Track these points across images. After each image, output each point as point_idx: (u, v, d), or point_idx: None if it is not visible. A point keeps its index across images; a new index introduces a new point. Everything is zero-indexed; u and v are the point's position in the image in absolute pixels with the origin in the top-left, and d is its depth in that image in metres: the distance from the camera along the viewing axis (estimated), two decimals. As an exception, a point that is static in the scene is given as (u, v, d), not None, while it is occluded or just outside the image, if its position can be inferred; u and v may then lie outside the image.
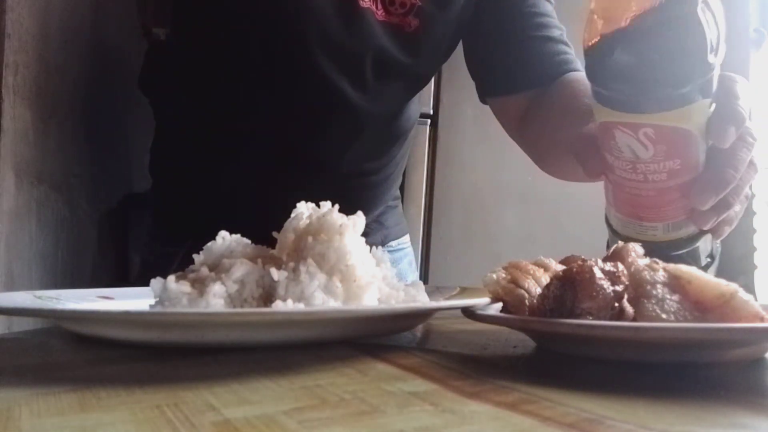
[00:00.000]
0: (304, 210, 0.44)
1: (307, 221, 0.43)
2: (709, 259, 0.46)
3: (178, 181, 0.79)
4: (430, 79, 0.83)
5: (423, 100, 1.46)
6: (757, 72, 1.46)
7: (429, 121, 1.51)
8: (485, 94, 0.79)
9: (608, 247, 0.47)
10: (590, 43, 0.42)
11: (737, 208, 0.44)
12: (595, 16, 0.41)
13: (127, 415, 0.23)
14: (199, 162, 0.76)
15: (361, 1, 0.66)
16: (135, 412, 0.23)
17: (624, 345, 0.32)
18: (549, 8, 0.75)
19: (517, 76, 0.74)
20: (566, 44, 0.74)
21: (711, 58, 0.39)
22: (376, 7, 0.68)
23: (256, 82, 0.69)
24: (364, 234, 0.73)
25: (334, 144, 0.72)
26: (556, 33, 0.74)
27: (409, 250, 0.94)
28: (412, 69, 0.73)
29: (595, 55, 0.42)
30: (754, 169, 0.43)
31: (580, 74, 0.70)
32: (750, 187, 0.46)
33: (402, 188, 1.36)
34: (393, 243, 0.89)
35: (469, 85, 0.83)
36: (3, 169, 0.65)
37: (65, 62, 0.83)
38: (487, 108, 0.82)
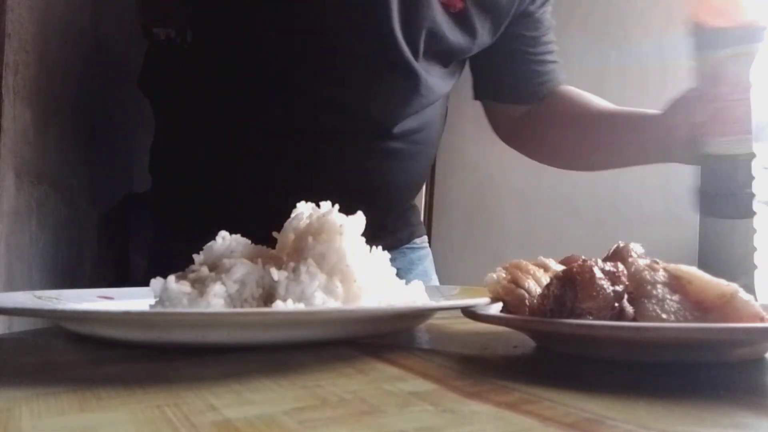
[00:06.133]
0: (304, 210, 0.44)
1: (308, 221, 0.43)
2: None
3: (189, 179, 0.79)
4: (455, 78, 0.83)
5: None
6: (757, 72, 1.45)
7: (429, 121, 1.51)
8: (485, 96, 0.86)
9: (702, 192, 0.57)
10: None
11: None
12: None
13: (127, 415, 0.23)
14: (210, 160, 0.75)
15: None
16: (135, 412, 0.23)
17: (624, 345, 0.32)
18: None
19: (521, 90, 0.83)
20: (556, 61, 0.85)
21: None
22: None
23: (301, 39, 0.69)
24: (392, 230, 0.75)
25: (388, 110, 0.73)
26: (554, 56, 0.84)
27: (429, 249, 0.95)
28: (451, 49, 0.74)
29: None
30: None
31: (568, 89, 0.83)
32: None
33: (402, 188, 1.36)
34: (417, 240, 0.90)
35: (469, 86, 0.83)
36: (3, 169, 0.65)
37: (65, 62, 0.83)
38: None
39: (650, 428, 0.21)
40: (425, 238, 0.93)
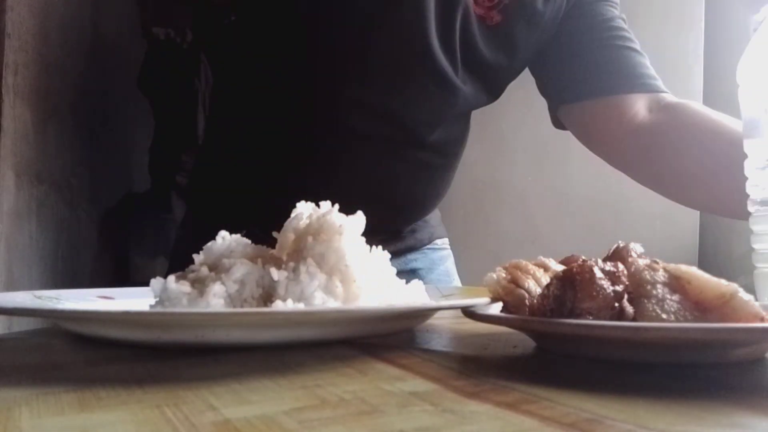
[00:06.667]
0: (304, 210, 0.44)
1: (307, 221, 0.43)
2: None
3: (215, 181, 0.79)
4: (494, 96, 0.79)
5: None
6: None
7: (429, 121, 1.51)
8: (564, 99, 0.77)
9: None
10: None
11: None
12: None
13: (127, 415, 0.23)
14: (238, 161, 0.76)
15: None
16: (135, 412, 0.23)
17: (624, 345, 0.32)
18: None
19: (599, 78, 0.74)
20: (642, 54, 0.76)
21: None
22: None
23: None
24: (412, 231, 0.73)
25: (424, 116, 0.71)
26: (633, 44, 0.76)
27: (450, 251, 0.95)
28: (487, 64, 0.73)
29: None
30: None
31: (697, 105, 0.71)
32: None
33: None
34: (438, 242, 0.90)
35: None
36: (3, 169, 0.65)
37: (65, 62, 0.83)
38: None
39: (650, 428, 0.21)
40: (447, 240, 0.93)
